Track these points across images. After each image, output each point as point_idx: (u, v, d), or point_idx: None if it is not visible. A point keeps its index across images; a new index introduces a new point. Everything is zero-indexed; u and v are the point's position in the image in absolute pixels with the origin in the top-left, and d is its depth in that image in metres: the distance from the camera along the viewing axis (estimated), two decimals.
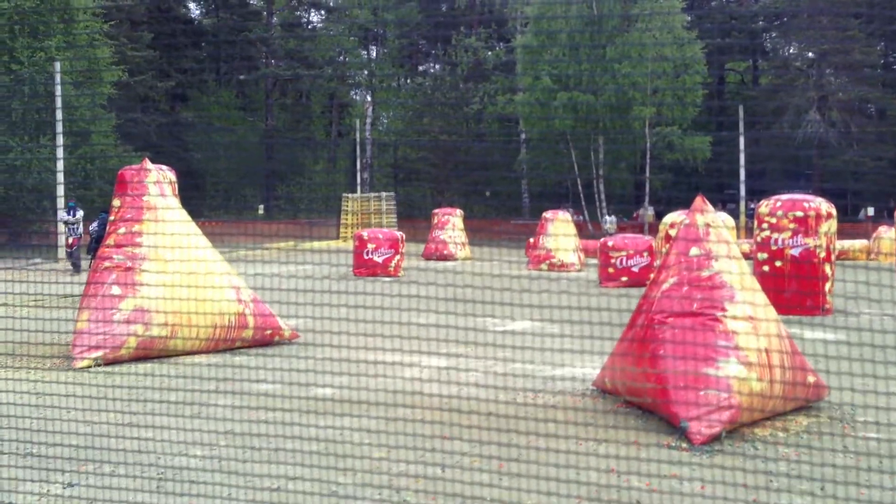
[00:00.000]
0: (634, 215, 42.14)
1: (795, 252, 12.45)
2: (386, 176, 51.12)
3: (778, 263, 12.53)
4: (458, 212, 26.37)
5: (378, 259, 19.56)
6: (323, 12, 58.06)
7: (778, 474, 5.11)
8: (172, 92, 49.78)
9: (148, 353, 8.80)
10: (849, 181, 43.26)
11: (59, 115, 25.34)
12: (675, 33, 39.02)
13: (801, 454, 5.52)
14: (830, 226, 12.59)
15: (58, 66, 25.73)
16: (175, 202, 9.88)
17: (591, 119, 38.90)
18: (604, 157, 41.15)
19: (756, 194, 29.81)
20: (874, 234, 24.76)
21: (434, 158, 47.54)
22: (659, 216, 29.21)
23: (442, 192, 45.46)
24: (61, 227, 22.83)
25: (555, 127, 39.58)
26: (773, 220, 12.62)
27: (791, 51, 50.18)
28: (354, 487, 4.85)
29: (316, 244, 29.41)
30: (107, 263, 9.18)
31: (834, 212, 12.76)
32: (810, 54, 46.10)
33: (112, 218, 9.63)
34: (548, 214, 22.25)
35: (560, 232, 21.65)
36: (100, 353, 8.51)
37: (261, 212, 45.83)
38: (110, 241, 9.37)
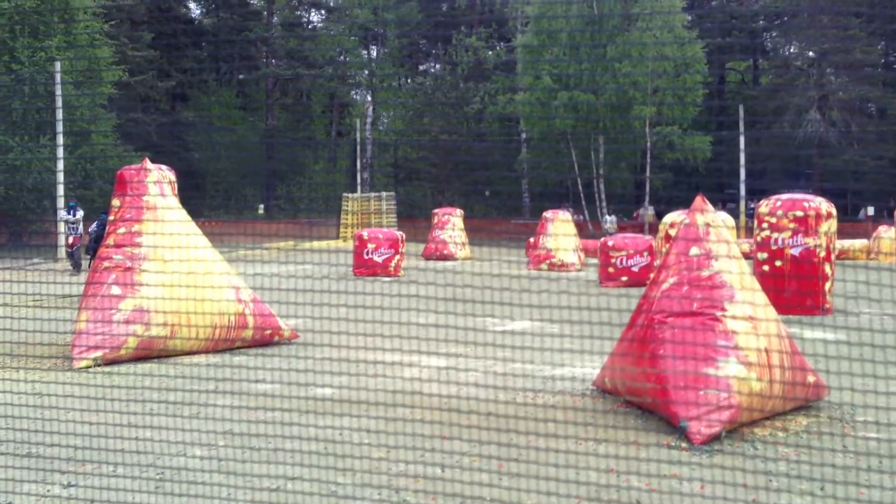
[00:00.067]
0: (635, 215, 42.15)
1: (795, 252, 12.44)
2: (386, 176, 51.12)
3: (778, 263, 12.53)
4: (459, 211, 26.37)
5: (378, 259, 19.56)
6: (323, 12, 58.06)
7: (778, 474, 5.10)
8: (173, 92, 49.80)
9: (147, 353, 8.79)
10: (849, 181, 43.28)
11: (59, 114, 25.34)
12: (676, 33, 39.02)
13: (801, 454, 5.52)
14: (830, 225, 12.59)
15: (58, 65, 25.73)
16: (175, 202, 9.87)
17: (592, 119, 38.91)
18: (604, 157, 41.14)
19: (756, 194, 29.82)
20: (874, 234, 24.75)
21: (434, 158, 47.54)
22: (659, 216, 29.22)
23: (442, 191, 45.46)
24: (61, 227, 22.84)
25: (555, 126, 39.58)
26: (773, 220, 12.62)
27: (791, 50, 50.18)
28: (354, 487, 4.84)
29: (316, 244, 29.42)
30: (106, 263, 9.18)
31: (834, 211, 12.76)
32: (811, 54, 46.10)
33: (112, 218, 9.62)
34: (548, 214, 22.24)
35: (560, 232, 21.64)
36: (99, 353, 8.51)
37: (261, 211, 45.85)
38: (110, 240, 9.37)
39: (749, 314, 6.27)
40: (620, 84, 38.31)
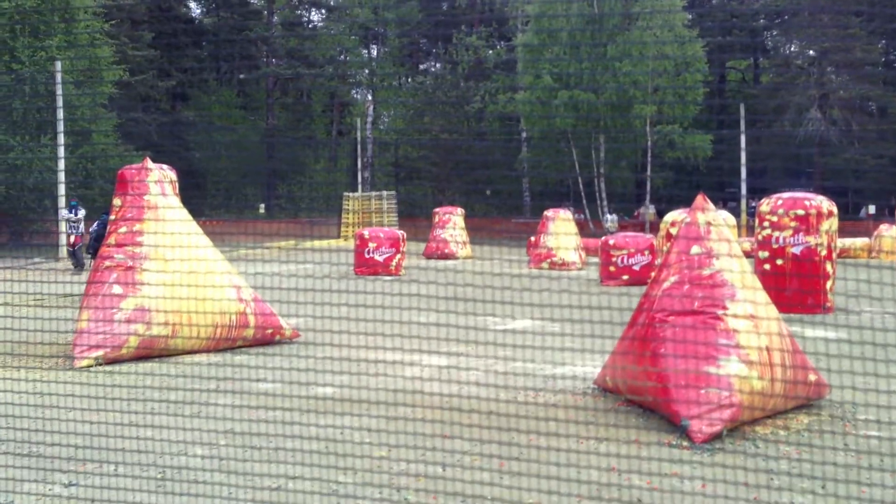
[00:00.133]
0: (635, 214, 42.15)
1: (797, 250, 12.44)
2: (387, 175, 51.12)
3: (779, 262, 12.52)
4: (459, 210, 26.36)
5: (379, 258, 19.56)
6: (323, 11, 58.03)
7: (779, 473, 5.10)
8: (173, 91, 49.79)
9: (149, 353, 8.80)
10: (850, 179, 43.24)
11: (60, 114, 25.35)
12: (676, 31, 38.99)
13: (802, 452, 5.51)
14: (831, 224, 12.58)
15: (59, 65, 25.73)
16: (176, 201, 9.88)
17: (592, 117, 38.89)
18: (605, 156, 41.13)
19: (757, 192, 29.81)
20: (875, 233, 24.73)
21: (435, 157, 47.53)
22: (660, 214, 29.20)
23: (443, 190, 45.46)
24: (63, 226, 22.84)
25: (556, 125, 39.57)
26: (775, 219, 12.61)
27: (792, 49, 50.14)
28: (355, 486, 4.84)
29: (317, 243, 29.42)
30: (108, 263, 9.18)
31: (835, 210, 12.75)
32: (811, 52, 46.07)
33: (113, 217, 9.63)
34: (549, 213, 22.24)
35: (561, 230, 21.64)
36: (101, 352, 8.51)
37: (262, 211, 45.85)
38: (111, 240, 9.37)
39: (750, 313, 6.26)
40: (621, 83, 38.28)
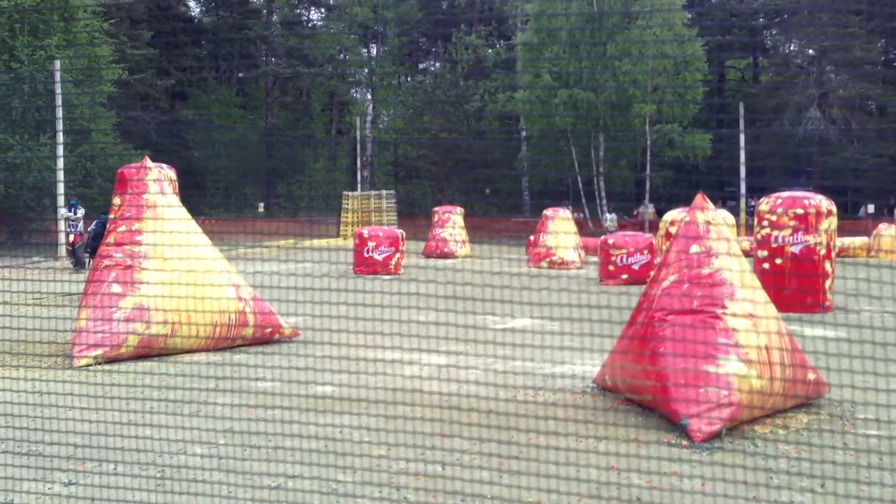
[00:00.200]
0: (635, 213, 42.16)
1: (796, 249, 12.44)
2: (386, 174, 51.11)
3: (778, 261, 12.53)
4: (459, 210, 26.37)
5: (378, 257, 19.56)
6: (323, 10, 58.02)
7: (778, 471, 5.10)
8: (172, 90, 49.77)
9: (148, 352, 8.80)
10: (849, 178, 43.23)
11: (59, 113, 25.33)
12: (676, 30, 38.98)
13: (802, 451, 5.52)
14: (831, 223, 12.58)
15: (58, 64, 25.71)
16: (175, 200, 9.87)
17: (592, 116, 38.89)
18: (604, 155, 41.12)
19: (756, 191, 29.82)
20: (874, 232, 24.74)
21: (434, 156, 47.52)
22: (659, 214, 29.20)
23: (442, 189, 45.45)
24: (62, 225, 22.83)
25: (555, 124, 39.57)
26: (774, 218, 12.62)
27: (791, 48, 50.13)
28: (354, 485, 4.84)
29: (316, 242, 29.42)
30: (107, 262, 9.18)
31: (834, 209, 12.75)
32: (811, 51, 46.06)
33: (112, 216, 9.62)
34: (548, 212, 22.24)
35: (560, 230, 21.64)
36: (100, 351, 8.51)
37: (261, 210, 45.83)
38: (110, 239, 9.37)
39: (749, 312, 6.26)
40: (620, 82, 38.27)
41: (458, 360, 8.47)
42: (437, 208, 26.74)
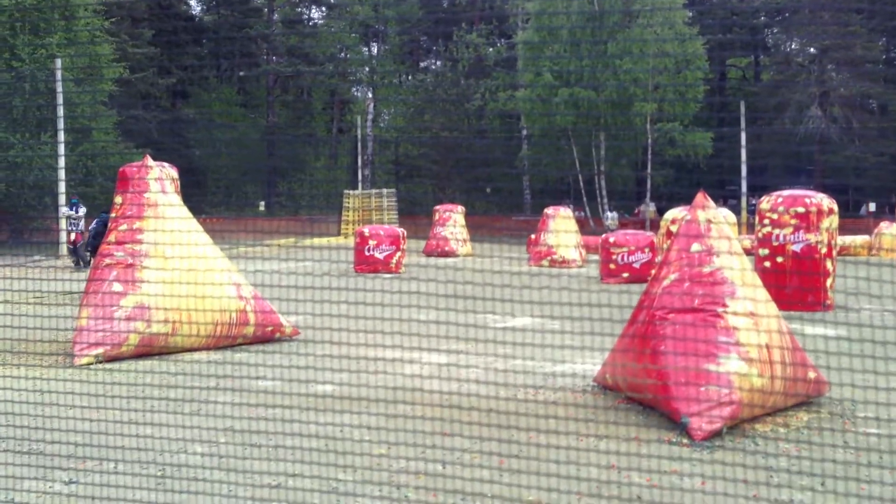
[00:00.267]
0: (636, 211, 42.15)
1: (797, 248, 12.43)
2: (387, 173, 51.11)
3: (779, 259, 12.52)
4: (460, 208, 26.37)
5: (379, 255, 19.55)
6: (324, 9, 58.04)
7: (778, 470, 5.11)
8: (173, 89, 49.77)
9: (149, 350, 8.80)
10: (850, 177, 43.20)
11: (60, 111, 25.34)
12: (677, 29, 38.97)
13: (802, 450, 5.52)
14: (832, 221, 12.58)
15: (59, 62, 25.73)
16: (176, 199, 9.88)
17: (593, 115, 38.88)
18: (605, 154, 41.12)
19: (757, 190, 29.81)
20: (875, 230, 24.73)
21: (435, 155, 47.53)
22: (660, 212, 29.19)
23: (443, 188, 45.44)
24: (63, 224, 22.84)
25: (556, 123, 39.57)
26: (775, 216, 12.61)
27: (793, 46, 50.09)
28: (355, 484, 4.85)
29: (317, 241, 29.42)
30: (108, 260, 9.19)
31: (835, 207, 12.74)
32: (812, 50, 46.02)
33: (113, 215, 9.63)
34: (549, 211, 22.24)
35: (561, 228, 21.64)
36: (101, 349, 8.52)
37: (262, 208, 45.83)
38: (112, 237, 9.38)
39: (750, 310, 6.26)
40: (621, 81, 38.26)
41: (458, 358, 8.47)
42: (437, 207, 26.73)
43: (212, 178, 45.82)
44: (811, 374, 6.54)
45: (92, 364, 8.37)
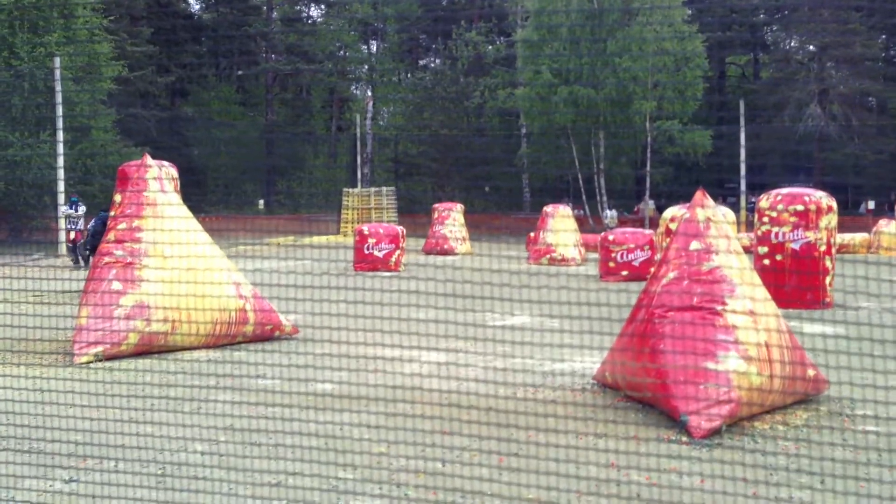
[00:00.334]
0: (635, 209, 42.16)
1: (796, 246, 12.44)
2: (386, 171, 51.11)
3: (778, 257, 12.53)
4: (459, 206, 26.38)
5: (378, 254, 19.56)
6: (323, 7, 58.00)
7: (777, 468, 5.11)
8: (172, 87, 49.73)
9: (148, 349, 8.81)
10: (850, 175, 43.23)
11: (59, 110, 25.32)
12: (676, 27, 38.96)
13: (801, 448, 5.53)
14: (831, 219, 12.59)
15: (57, 61, 25.70)
16: (176, 198, 9.88)
17: (592, 113, 38.89)
18: (604, 152, 41.12)
19: (757, 188, 29.82)
20: (875, 228, 24.76)
21: (435, 153, 47.52)
22: (660, 210, 29.20)
23: (442, 186, 45.45)
24: (62, 223, 22.84)
25: (555, 121, 39.58)
26: (774, 214, 12.62)
27: (792, 44, 50.10)
28: (355, 482, 4.86)
29: (316, 239, 29.42)
30: (107, 259, 9.19)
31: (834, 205, 12.75)
32: (811, 48, 46.02)
33: (113, 214, 9.63)
34: (548, 209, 22.24)
35: (561, 227, 21.65)
36: (100, 348, 8.52)
37: (261, 207, 45.82)
38: (111, 236, 9.38)
39: (749, 308, 6.27)
40: (621, 79, 38.26)
41: (457, 357, 8.47)
42: (437, 205, 26.74)
43: (211, 177, 45.83)
44: (810, 373, 6.55)
45: (92, 363, 8.37)
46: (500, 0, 51.91)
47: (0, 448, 5.55)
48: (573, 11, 38.68)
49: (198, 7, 55.69)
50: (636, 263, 17.08)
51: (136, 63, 39.98)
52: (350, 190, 37.65)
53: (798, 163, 42.65)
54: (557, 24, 38.68)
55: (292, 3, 56.39)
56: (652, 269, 9.19)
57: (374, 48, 58.01)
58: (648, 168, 40.40)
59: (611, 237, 17.74)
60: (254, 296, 9.68)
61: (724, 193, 38.91)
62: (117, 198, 9.65)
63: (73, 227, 21.15)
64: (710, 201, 6.94)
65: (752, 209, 21.98)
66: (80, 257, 20.11)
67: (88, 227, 18.68)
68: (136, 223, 9.33)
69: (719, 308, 6.23)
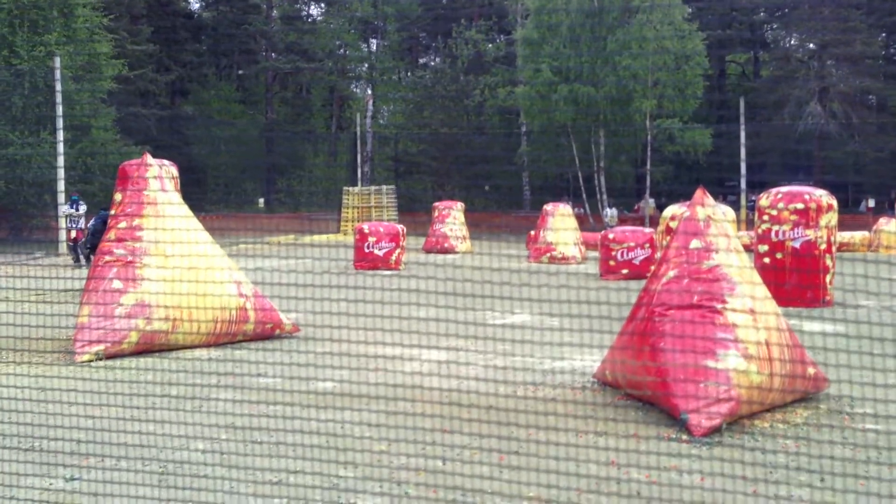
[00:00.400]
0: (635, 208, 42.17)
1: (796, 244, 12.45)
2: (387, 169, 51.12)
3: (779, 255, 12.54)
4: (459, 205, 26.38)
5: (379, 252, 19.57)
6: (323, 5, 57.97)
7: (777, 466, 5.12)
8: (172, 86, 49.74)
9: (149, 347, 8.82)
10: (850, 173, 43.24)
11: (59, 109, 25.33)
12: (676, 25, 38.95)
13: (801, 446, 5.53)
14: (831, 218, 12.59)
15: (57, 60, 25.71)
16: (176, 197, 9.89)
17: (592, 111, 38.90)
18: (605, 150, 41.12)
19: (757, 186, 29.84)
20: (875, 226, 24.76)
21: (435, 151, 47.53)
22: (660, 209, 29.21)
23: (443, 185, 45.46)
24: (62, 222, 22.83)
25: (555, 119, 39.57)
26: (774, 213, 12.62)
27: (792, 42, 50.09)
28: (356, 480, 4.87)
29: (316, 238, 29.44)
30: (108, 258, 9.19)
31: (835, 203, 12.75)
32: (811, 45, 46.01)
33: (113, 212, 9.64)
34: (548, 207, 22.24)
35: (561, 225, 21.66)
36: (101, 347, 8.53)
37: (261, 205, 45.83)
38: (111, 235, 9.39)
39: (749, 307, 6.28)
40: (621, 77, 38.26)
41: (458, 355, 8.48)
42: (437, 203, 26.75)
43: (211, 176, 45.84)
44: (810, 371, 6.56)
45: (92, 361, 8.38)
46: None
47: (1, 447, 5.56)
48: (573, 10, 38.67)
49: (198, 5, 55.69)
50: (636, 262, 17.09)
51: (136, 62, 39.98)
52: (350, 188, 37.66)
53: (798, 161, 42.66)
54: (557, 22, 38.68)
55: (292, 2, 56.37)
56: (652, 268, 9.20)
57: (374, 46, 57.99)
58: (648, 166, 40.39)
59: (611, 235, 17.75)
60: (254, 294, 9.69)
61: (725, 192, 38.92)
62: (118, 196, 9.66)
63: (74, 225, 21.15)
64: (710, 199, 6.94)
65: (752, 207, 21.98)
66: (80, 256, 20.12)
67: (89, 225, 18.69)
68: (136, 222, 9.33)
69: (719, 306, 6.24)
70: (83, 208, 21.46)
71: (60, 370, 8.01)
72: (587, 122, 39.87)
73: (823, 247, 12.45)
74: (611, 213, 37.34)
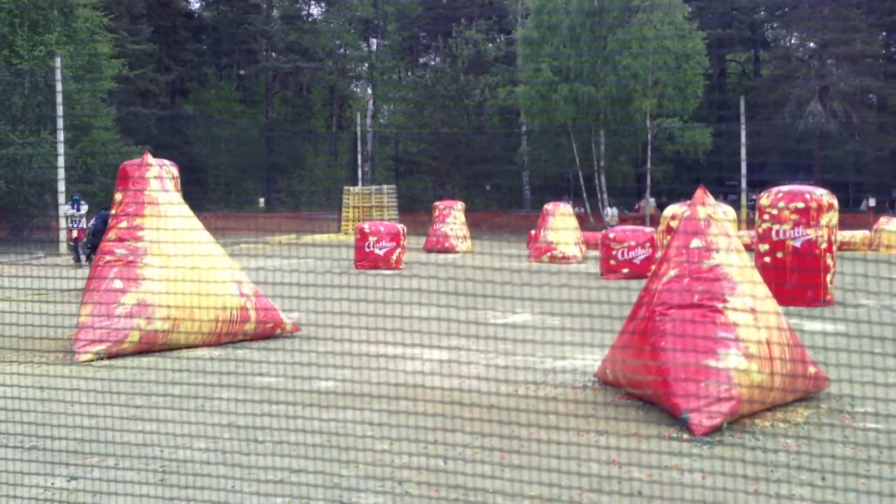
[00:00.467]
0: (636, 207, 42.16)
1: (797, 243, 12.45)
2: (387, 169, 51.12)
3: (779, 255, 12.54)
4: (460, 204, 26.39)
5: (379, 252, 19.57)
6: (323, 5, 57.94)
7: (778, 465, 5.13)
8: (173, 85, 49.72)
9: (150, 347, 8.82)
10: (850, 172, 43.23)
11: (59, 109, 25.33)
12: (677, 24, 38.94)
13: (802, 445, 5.54)
14: (832, 217, 12.59)
15: (58, 60, 25.71)
16: (177, 196, 9.89)
17: (593, 111, 38.90)
18: (605, 149, 41.12)
19: (757, 186, 29.84)
20: (875, 226, 24.76)
21: (435, 151, 47.52)
22: (660, 208, 29.21)
23: (443, 184, 45.45)
24: (63, 221, 22.85)
25: (556, 119, 39.56)
26: (775, 212, 12.62)
27: (792, 41, 50.07)
28: (357, 479, 4.87)
29: (317, 237, 29.44)
30: (108, 257, 9.20)
31: (835, 203, 12.75)
32: (812, 45, 46.00)
33: (114, 212, 9.64)
34: (549, 207, 22.25)
35: (561, 224, 21.66)
36: (102, 346, 8.53)
37: (261, 205, 45.83)
38: (112, 234, 9.39)
39: (750, 306, 6.28)
40: (621, 76, 38.26)
41: (459, 355, 8.48)
42: (437, 203, 26.76)
43: (212, 175, 45.83)
44: (811, 370, 6.56)
45: (93, 361, 8.39)
46: None
47: (2, 446, 5.57)
48: (573, 9, 38.66)
49: (198, 5, 55.69)
50: (637, 261, 17.09)
51: (136, 61, 39.98)
52: (351, 188, 37.66)
53: (799, 160, 42.64)
54: (558, 21, 38.68)
55: (292, 2, 56.35)
56: (653, 267, 9.20)
57: (374, 46, 58.00)
58: (649, 166, 40.38)
59: (612, 235, 17.75)
60: (255, 294, 9.70)
61: (725, 191, 38.89)
62: (118, 196, 9.66)
63: (75, 225, 21.16)
64: (710, 199, 6.94)
65: (752, 207, 21.98)
66: (81, 255, 20.13)
67: (89, 225, 18.69)
68: (136, 222, 9.33)
69: (720, 306, 6.24)
70: (84, 208, 21.46)
71: (62, 370, 8.02)
72: (587, 122, 39.86)
73: (824, 246, 12.45)
74: (611, 212, 37.34)
